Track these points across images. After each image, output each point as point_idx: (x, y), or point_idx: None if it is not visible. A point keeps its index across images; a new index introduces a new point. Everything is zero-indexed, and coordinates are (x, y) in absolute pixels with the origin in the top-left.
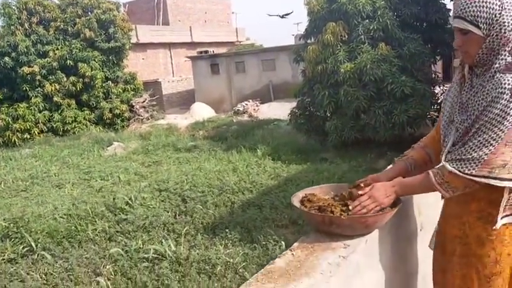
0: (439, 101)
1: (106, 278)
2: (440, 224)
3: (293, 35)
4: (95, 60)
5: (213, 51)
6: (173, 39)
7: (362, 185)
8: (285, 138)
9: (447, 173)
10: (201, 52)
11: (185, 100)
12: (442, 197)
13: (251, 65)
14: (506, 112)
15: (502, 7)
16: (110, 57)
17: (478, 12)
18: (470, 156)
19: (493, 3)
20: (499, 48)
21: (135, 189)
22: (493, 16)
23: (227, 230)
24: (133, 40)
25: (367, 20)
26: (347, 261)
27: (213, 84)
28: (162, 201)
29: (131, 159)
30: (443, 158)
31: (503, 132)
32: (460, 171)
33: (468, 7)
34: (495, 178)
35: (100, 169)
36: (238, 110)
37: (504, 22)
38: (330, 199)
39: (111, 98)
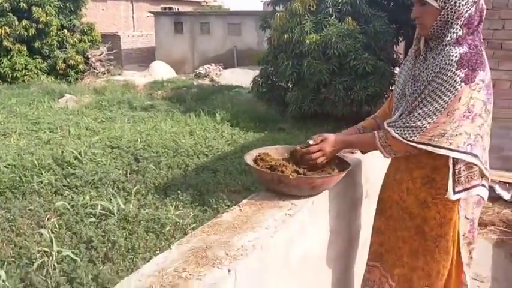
0: None
1: (50, 230)
2: (381, 191)
3: (261, 1)
4: (50, 5)
5: (178, 9)
6: None
7: (312, 141)
8: (245, 106)
9: (391, 138)
10: (165, 8)
11: (145, 57)
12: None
13: (216, 28)
14: (450, 84)
15: None
16: (67, 4)
17: None
18: (414, 125)
19: None
20: (452, 22)
21: (86, 144)
22: None
23: (179, 192)
24: None
25: None
26: (292, 218)
27: (175, 44)
28: (114, 158)
29: (83, 114)
30: (385, 124)
31: (446, 103)
32: (403, 137)
33: None
34: (434, 146)
35: (49, 121)
36: (200, 73)
37: None
38: (283, 160)
39: (65, 48)
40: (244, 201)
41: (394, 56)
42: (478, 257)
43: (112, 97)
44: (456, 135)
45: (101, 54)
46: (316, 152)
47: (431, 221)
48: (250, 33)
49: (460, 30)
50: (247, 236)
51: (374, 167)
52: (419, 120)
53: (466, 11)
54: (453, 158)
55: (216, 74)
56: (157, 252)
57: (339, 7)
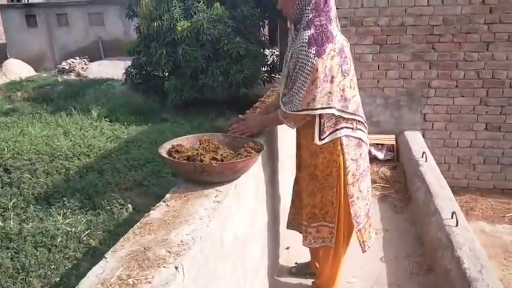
0: (268, 63)
1: None
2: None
3: None
4: None
5: (28, 0)
6: None
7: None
8: (121, 99)
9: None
10: (12, 0)
11: None
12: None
13: (75, 19)
14: (307, 60)
15: None
16: None
17: None
18: (293, 99)
19: None
20: (304, 7)
21: None
22: None
23: (64, 199)
24: None
25: None
26: (222, 205)
27: (29, 39)
28: None
29: None
30: (279, 100)
31: (308, 75)
32: (291, 110)
33: None
34: (311, 109)
35: None
36: (63, 68)
37: None
38: (198, 149)
39: None
40: (168, 195)
41: (262, 38)
42: None
43: None
44: (322, 96)
45: None
46: (241, 125)
47: (320, 166)
48: (114, 22)
49: (310, 13)
50: (183, 229)
51: (282, 145)
52: (297, 94)
53: None
54: (319, 114)
55: (82, 68)
56: (52, 266)
57: None
